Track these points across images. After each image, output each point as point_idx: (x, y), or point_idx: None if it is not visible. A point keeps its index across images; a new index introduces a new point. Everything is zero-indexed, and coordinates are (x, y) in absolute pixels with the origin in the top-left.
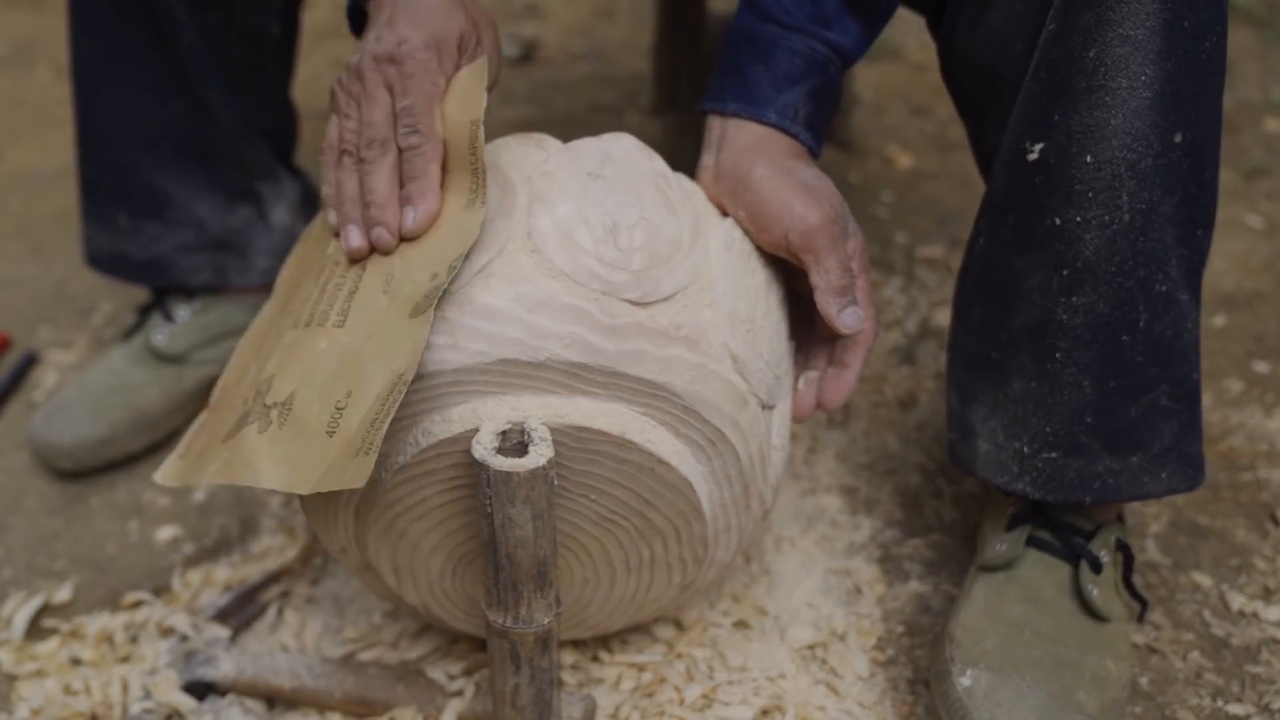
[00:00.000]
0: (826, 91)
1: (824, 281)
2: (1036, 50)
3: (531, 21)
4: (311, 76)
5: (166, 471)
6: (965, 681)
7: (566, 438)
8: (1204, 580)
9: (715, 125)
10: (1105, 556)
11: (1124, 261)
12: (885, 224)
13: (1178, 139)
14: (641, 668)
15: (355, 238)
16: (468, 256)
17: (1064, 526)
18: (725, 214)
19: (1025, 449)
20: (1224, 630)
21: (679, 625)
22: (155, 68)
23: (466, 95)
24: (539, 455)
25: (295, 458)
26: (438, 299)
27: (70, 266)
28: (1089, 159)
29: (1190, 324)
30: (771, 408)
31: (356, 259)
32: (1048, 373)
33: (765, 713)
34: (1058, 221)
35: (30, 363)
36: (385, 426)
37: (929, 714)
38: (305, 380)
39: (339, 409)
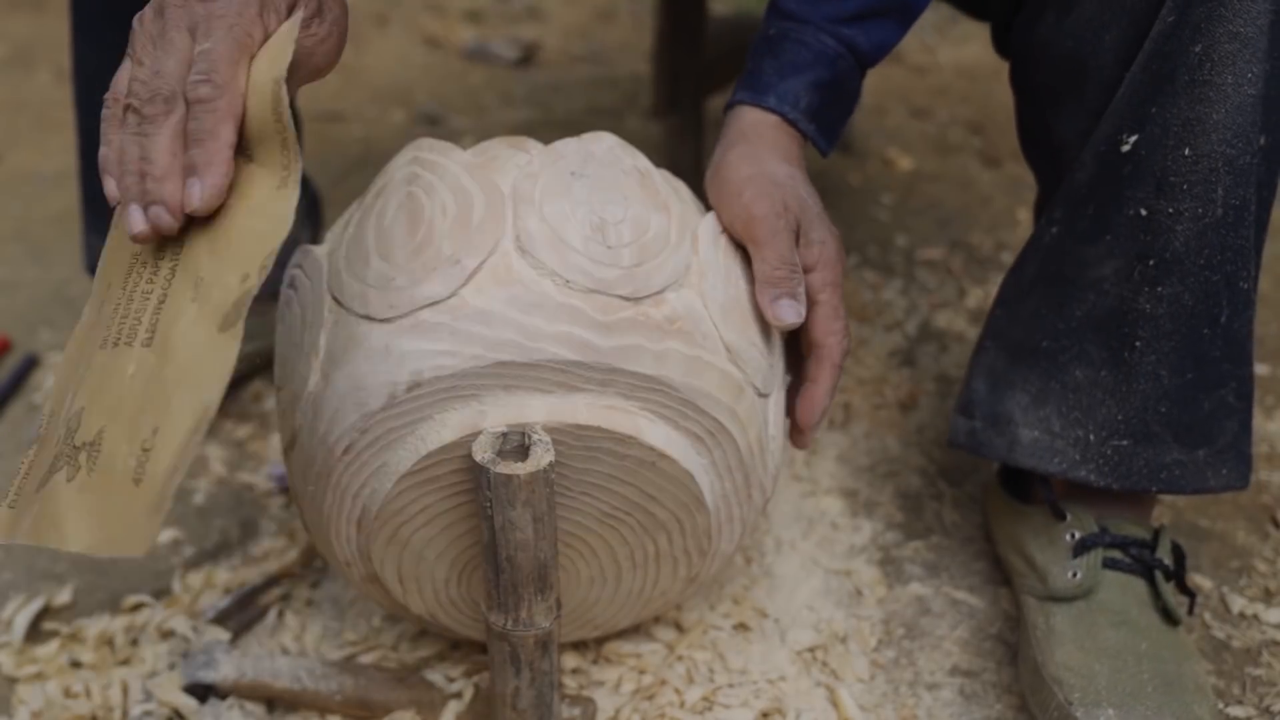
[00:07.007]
0: (835, 87)
1: (759, 272)
2: (1147, 42)
3: (532, 24)
4: None
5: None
6: None
7: (566, 437)
8: (1204, 582)
9: (725, 120)
10: (1167, 560)
11: (1213, 255)
12: (885, 226)
13: (1262, 141)
14: (642, 670)
15: (137, 221)
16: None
17: (1131, 541)
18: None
19: (1091, 436)
20: (1224, 632)
21: (679, 627)
22: None
23: (273, 52)
24: (539, 457)
25: (101, 512)
26: (248, 306)
27: (70, 269)
28: (1187, 151)
29: (1252, 326)
30: (767, 396)
31: (142, 242)
32: (1124, 361)
33: (765, 715)
34: (1144, 212)
35: (30, 366)
36: (179, 476)
37: (929, 717)
38: (114, 414)
39: (145, 450)
